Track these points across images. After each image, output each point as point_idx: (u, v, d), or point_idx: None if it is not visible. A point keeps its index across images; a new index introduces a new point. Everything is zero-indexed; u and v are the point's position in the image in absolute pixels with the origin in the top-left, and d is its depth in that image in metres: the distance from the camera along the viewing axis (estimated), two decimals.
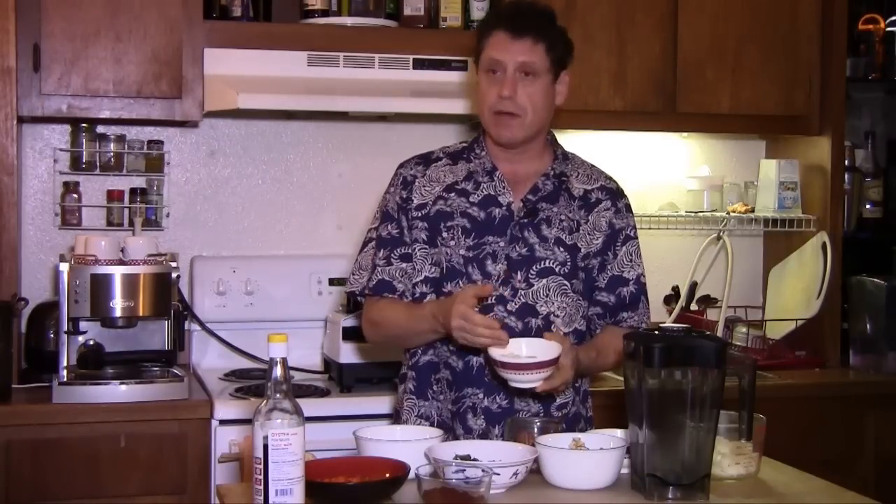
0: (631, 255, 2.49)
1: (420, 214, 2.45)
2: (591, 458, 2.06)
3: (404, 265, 2.45)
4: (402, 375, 2.55)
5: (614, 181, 2.56)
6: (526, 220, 2.42)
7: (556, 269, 2.41)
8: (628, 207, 2.53)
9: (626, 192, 2.55)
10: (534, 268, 2.41)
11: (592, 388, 2.62)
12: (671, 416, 1.97)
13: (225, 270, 3.54)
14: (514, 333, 2.34)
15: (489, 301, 2.37)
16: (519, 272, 2.40)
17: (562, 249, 2.42)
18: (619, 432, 2.16)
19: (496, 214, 2.43)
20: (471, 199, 2.45)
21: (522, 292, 2.40)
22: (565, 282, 2.42)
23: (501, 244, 2.41)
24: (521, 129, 2.40)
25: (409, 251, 2.45)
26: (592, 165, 2.57)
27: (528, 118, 2.39)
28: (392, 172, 2.55)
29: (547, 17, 2.42)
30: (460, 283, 2.39)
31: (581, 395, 2.50)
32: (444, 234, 2.42)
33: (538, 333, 2.36)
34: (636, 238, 2.52)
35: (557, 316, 2.41)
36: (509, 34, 2.37)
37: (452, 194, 2.45)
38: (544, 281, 2.40)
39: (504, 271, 2.40)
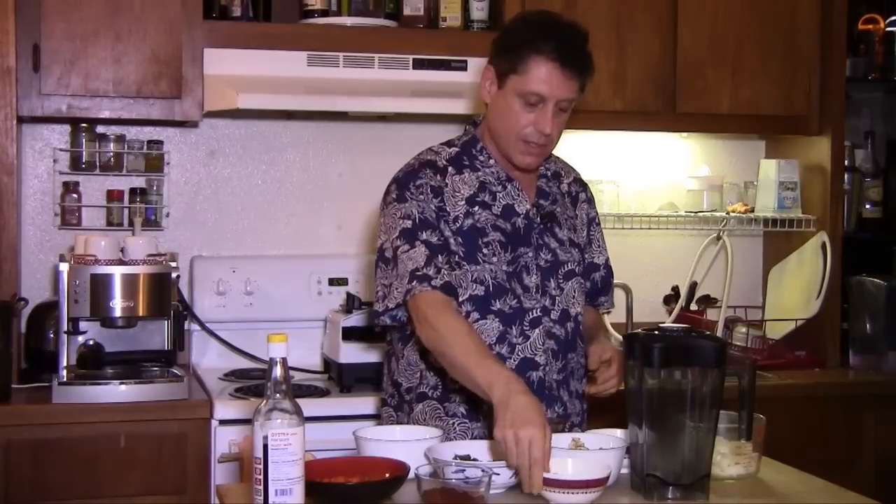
0: (599, 242, 2.52)
1: (454, 229, 2.28)
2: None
3: (457, 272, 2.25)
4: (391, 397, 2.42)
5: (578, 171, 2.56)
6: (544, 226, 2.38)
7: (576, 270, 2.40)
8: (593, 195, 2.57)
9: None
10: (560, 271, 2.37)
11: None
12: (671, 416, 1.97)
13: (225, 270, 3.54)
14: (558, 342, 2.31)
15: (535, 314, 2.31)
16: (551, 279, 2.35)
17: (576, 249, 2.42)
18: (619, 432, 2.15)
19: (519, 224, 2.34)
20: (493, 210, 2.33)
21: (558, 298, 2.35)
22: (582, 280, 2.42)
23: (530, 254, 2.34)
24: (543, 157, 2.38)
25: (458, 262, 2.27)
26: (561, 158, 2.55)
27: (551, 146, 2.35)
28: (391, 173, 2.37)
29: (588, 52, 2.29)
30: (507, 299, 2.29)
31: (579, 399, 2.48)
32: (485, 251, 2.28)
33: (574, 336, 2.35)
34: (600, 224, 2.55)
35: (582, 315, 2.40)
36: (559, 70, 2.21)
37: (476, 207, 2.31)
38: (570, 283, 2.38)
39: (540, 281, 2.34)
